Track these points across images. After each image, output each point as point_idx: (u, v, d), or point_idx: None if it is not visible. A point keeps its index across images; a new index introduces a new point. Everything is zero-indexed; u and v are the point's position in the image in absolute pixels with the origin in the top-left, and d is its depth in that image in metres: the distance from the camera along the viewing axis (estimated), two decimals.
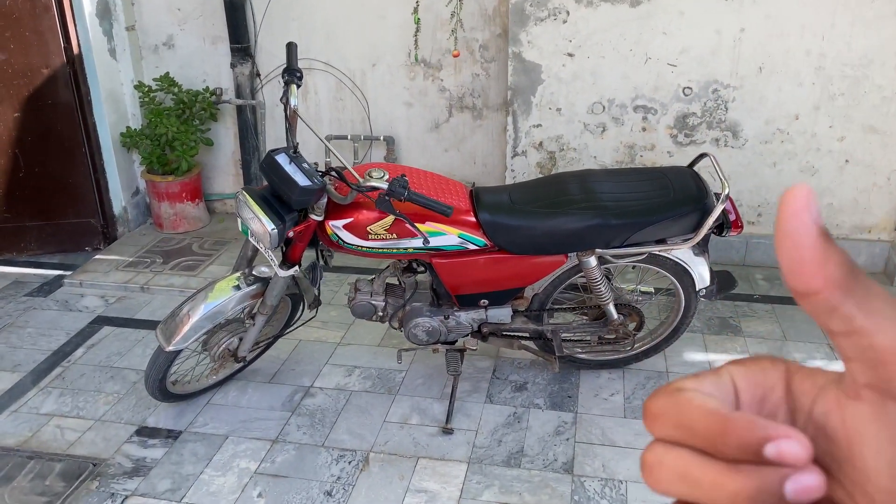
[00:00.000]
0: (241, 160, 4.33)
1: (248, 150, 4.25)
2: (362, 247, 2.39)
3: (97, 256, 4.05)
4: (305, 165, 2.24)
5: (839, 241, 3.76)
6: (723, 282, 2.75)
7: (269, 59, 4.16)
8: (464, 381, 2.92)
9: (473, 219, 2.43)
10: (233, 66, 4.11)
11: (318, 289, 2.65)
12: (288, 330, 2.84)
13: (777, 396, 0.34)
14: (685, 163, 3.74)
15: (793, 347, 3.14)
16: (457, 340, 2.74)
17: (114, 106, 4.14)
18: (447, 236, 2.40)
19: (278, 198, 2.29)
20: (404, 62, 4.01)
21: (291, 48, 2.40)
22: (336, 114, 4.21)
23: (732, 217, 2.51)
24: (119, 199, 4.26)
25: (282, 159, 2.23)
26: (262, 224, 2.23)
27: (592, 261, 2.52)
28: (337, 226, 2.36)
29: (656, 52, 3.57)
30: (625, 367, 2.98)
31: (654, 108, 3.68)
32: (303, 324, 2.83)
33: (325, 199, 2.32)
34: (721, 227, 2.50)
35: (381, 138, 4.13)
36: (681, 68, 3.58)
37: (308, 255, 2.59)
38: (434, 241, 2.39)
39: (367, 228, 2.35)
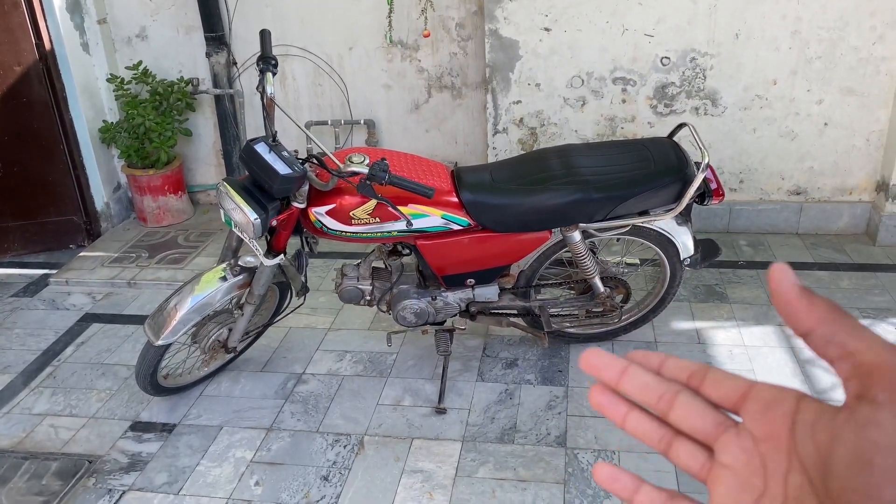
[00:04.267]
0: (222, 150, 4.30)
1: (229, 140, 4.23)
2: (346, 232, 2.39)
3: (82, 254, 4.03)
4: (285, 154, 2.23)
5: (821, 203, 3.80)
6: (707, 250, 2.77)
7: (245, 46, 4.12)
8: (454, 360, 2.94)
9: (456, 199, 2.43)
10: (208, 55, 4.07)
11: (305, 276, 2.65)
12: (277, 318, 2.84)
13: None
14: (666, 133, 3.76)
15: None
16: (445, 321, 2.76)
17: (90, 101, 4.10)
18: (430, 217, 2.40)
19: (259, 187, 2.28)
20: (381, 44, 3.98)
21: (265, 36, 2.38)
22: (315, 99, 4.19)
23: (714, 186, 2.52)
24: (101, 194, 4.23)
25: (261, 148, 2.22)
26: (244, 214, 2.23)
27: (576, 235, 2.53)
28: (320, 212, 2.35)
29: (633, 23, 3.56)
30: (613, 339, 3.01)
31: (633, 79, 3.68)
32: (291, 311, 2.83)
33: (307, 187, 2.32)
34: (703, 196, 2.51)
35: (362, 122, 4.11)
36: (658, 38, 3.57)
37: (293, 243, 2.59)
38: (417, 223, 2.40)
39: (350, 213, 2.35)
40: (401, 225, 2.38)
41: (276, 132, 2.29)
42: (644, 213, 2.51)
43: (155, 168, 4.12)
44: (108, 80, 4.05)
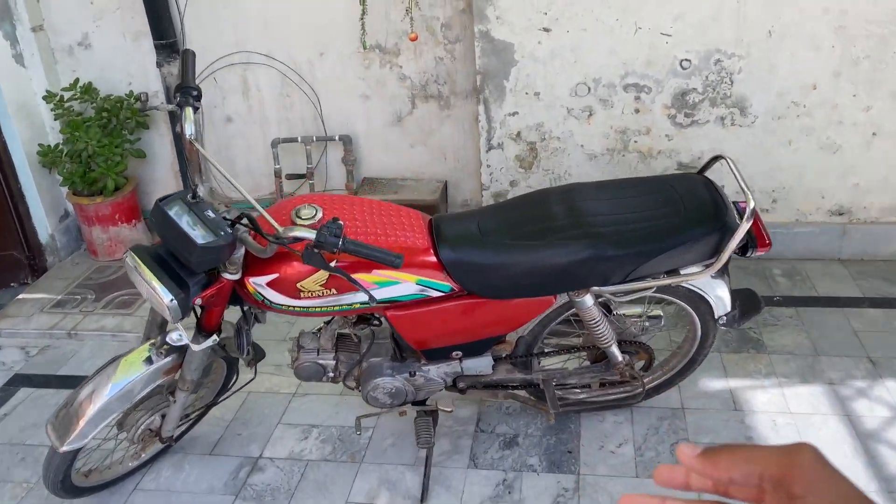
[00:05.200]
0: (181, 172, 3.79)
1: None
2: (294, 307, 1.89)
3: (21, 296, 3.53)
4: (209, 213, 1.72)
5: (867, 224, 3.28)
6: (746, 304, 2.26)
7: (202, 53, 3.57)
8: (442, 436, 2.45)
9: (434, 258, 1.92)
10: (159, 65, 3.56)
11: (249, 346, 2.13)
12: (223, 398, 2.34)
13: None
14: (687, 147, 3.24)
15: (826, 364, 2.67)
16: (427, 398, 2.26)
17: (27, 120, 3.59)
18: (402, 285, 1.90)
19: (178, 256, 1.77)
20: (356, 49, 3.46)
21: (187, 58, 1.88)
22: (284, 113, 3.67)
23: (759, 233, 2.01)
24: (44, 225, 3.74)
25: (175, 211, 1.70)
26: (157, 295, 1.72)
27: (588, 300, 2.02)
28: (259, 283, 1.85)
29: (647, 20, 3.03)
30: (632, 406, 2.51)
31: (648, 85, 3.16)
32: (240, 388, 2.33)
33: (243, 251, 1.81)
34: (745, 246, 2.00)
35: (337, 138, 3.60)
36: (676, 38, 3.04)
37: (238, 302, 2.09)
38: (385, 293, 1.89)
39: (298, 285, 1.84)
40: (364, 296, 1.88)
41: (196, 185, 1.79)
42: (672, 270, 2.00)
43: (103, 195, 3.61)
44: (44, 99, 3.53)
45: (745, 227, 1.87)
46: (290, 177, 3.60)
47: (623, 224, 1.92)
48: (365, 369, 2.18)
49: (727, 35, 3.01)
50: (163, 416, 2.20)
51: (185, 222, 1.69)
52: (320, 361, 2.16)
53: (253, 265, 1.84)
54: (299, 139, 3.59)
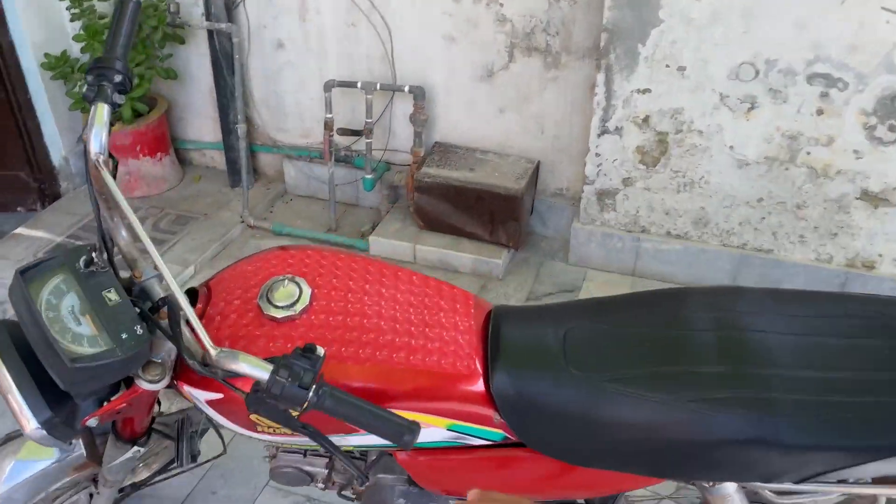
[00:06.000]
0: (217, 104, 3.10)
1: (224, 92, 3.01)
2: (249, 436, 1.20)
3: (18, 230, 3.01)
4: (111, 296, 1.02)
5: None
6: None
7: None
8: None
9: (482, 387, 1.17)
10: None
11: (190, 455, 1.48)
12: (171, 475, 1.70)
13: None
14: (881, 171, 2.35)
15: None
16: None
17: (42, 19, 2.95)
18: (425, 429, 1.17)
19: None
20: None
21: (122, 12, 1.13)
22: (346, 46, 2.89)
23: None
24: (57, 146, 3.17)
25: (50, 291, 1.00)
26: (17, 411, 1.06)
27: (727, 488, 1.24)
28: (198, 398, 1.16)
29: None
30: None
31: (844, 79, 2.22)
32: (201, 464, 1.70)
33: (172, 352, 1.11)
34: None
35: (407, 89, 2.80)
36: None
37: None
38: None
39: (252, 417, 1.14)
40: (355, 440, 1.17)
41: (92, 245, 1.08)
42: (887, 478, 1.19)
43: (122, 122, 2.98)
44: None
45: None
46: (343, 132, 2.85)
47: (820, 389, 1.10)
48: (368, 489, 1.49)
49: None
50: (91, 496, 1.60)
51: (66, 311, 0.99)
52: (307, 468, 1.48)
53: (189, 370, 1.14)
54: (359, 85, 2.80)
